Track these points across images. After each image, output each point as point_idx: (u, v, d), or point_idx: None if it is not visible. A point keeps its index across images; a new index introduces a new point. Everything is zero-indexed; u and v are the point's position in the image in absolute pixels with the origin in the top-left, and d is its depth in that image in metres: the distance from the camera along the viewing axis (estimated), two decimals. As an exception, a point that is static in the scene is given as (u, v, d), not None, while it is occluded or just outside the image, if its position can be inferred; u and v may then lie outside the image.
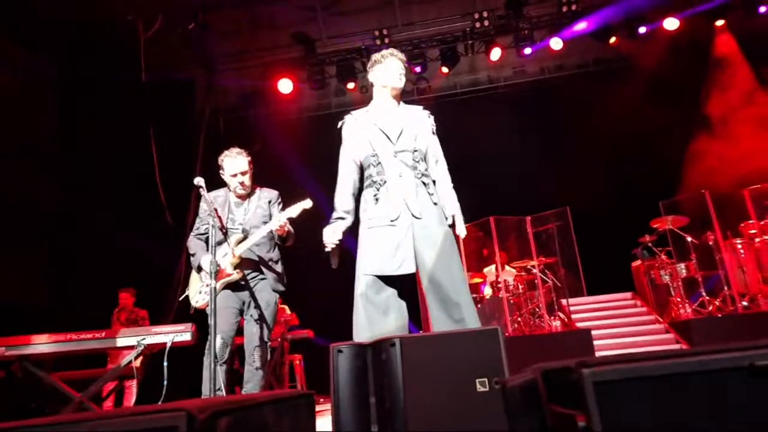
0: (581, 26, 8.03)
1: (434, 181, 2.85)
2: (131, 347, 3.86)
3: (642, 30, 7.97)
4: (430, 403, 1.74)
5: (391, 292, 2.65)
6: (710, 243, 6.59)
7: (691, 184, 7.35)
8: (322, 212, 3.50)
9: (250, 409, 1.31)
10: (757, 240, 6.40)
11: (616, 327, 6.91)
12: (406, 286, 2.71)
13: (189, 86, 8.69)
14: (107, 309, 6.76)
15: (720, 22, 8.06)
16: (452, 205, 2.83)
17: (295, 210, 3.42)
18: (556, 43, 8.06)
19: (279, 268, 3.60)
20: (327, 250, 2.82)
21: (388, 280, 2.66)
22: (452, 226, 2.79)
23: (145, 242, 7.24)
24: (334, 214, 2.89)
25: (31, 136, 7.32)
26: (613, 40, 8.13)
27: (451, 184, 2.90)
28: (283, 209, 3.65)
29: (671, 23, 7.91)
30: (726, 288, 6.41)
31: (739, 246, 6.46)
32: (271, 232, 3.50)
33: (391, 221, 2.65)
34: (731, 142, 7.68)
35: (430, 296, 2.62)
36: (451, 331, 2.32)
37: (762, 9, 7.74)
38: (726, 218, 6.71)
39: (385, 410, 1.87)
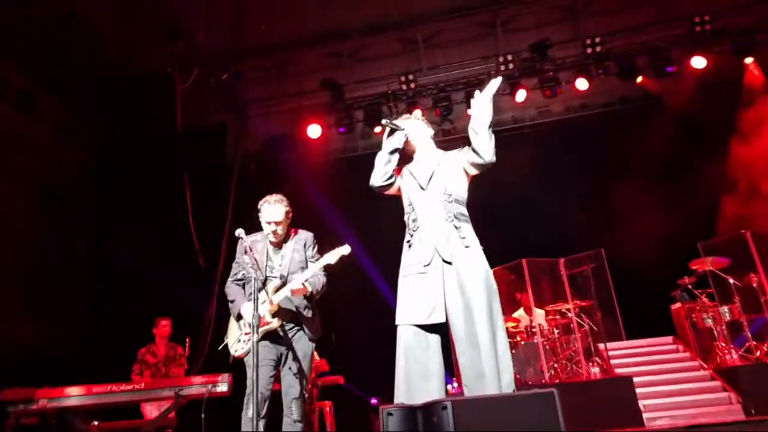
0: (606, 67, 8.05)
1: (468, 223, 2.81)
2: (169, 398, 3.83)
3: (669, 69, 7.94)
4: None
5: (428, 344, 2.58)
6: (754, 285, 6.34)
7: (729, 225, 7.14)
8: (352, 255, 3.48)
9: None
10: (805, 281, 6.14)
11: (658, 374, 6.60)
12: (445, 334, 2.64)
13: (221, 132, 8.93)
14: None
15: (749, 60, 7.99)
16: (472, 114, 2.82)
17: (333, 257, 3.41)
18: (581, 83, 8.07)
19: (315, 316, 3.57)
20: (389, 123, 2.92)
21: (430, 330, 2.60)
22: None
23: (177, 287, 7.30)
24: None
25: (69, 186, 7.56)
26: (639, 79, 8.12)
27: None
28: (318, 251, 3.66)
29: (699, 61, 7.88)
30: (774, 332, 6.13)
31: (786, 287, 6.21)
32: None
33: (424, 266, 2.61)
34: (768, 179, 7.51)
35: (458, 345, 2.55)
36: (505, 394, 2.27)
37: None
38: (768, 259, 6.49)
39: None
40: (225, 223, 7.71)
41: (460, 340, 2.53)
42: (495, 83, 2.78)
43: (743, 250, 6.42)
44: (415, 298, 2.60)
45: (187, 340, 5.99)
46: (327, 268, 3.48)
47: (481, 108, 2.73)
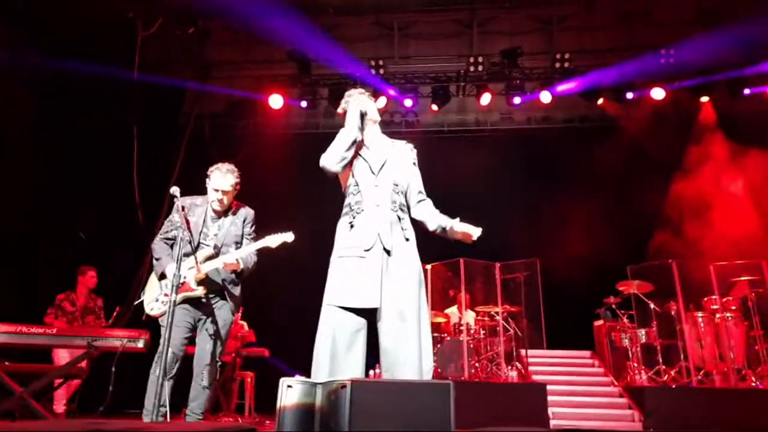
0: (571, 85, 8.23)
1: (410, 217, 2.86)
2: (81, 347, 3.72)
3: (630, 95, 8.18)
4: None
5: (357, 327, 2.60)
6: (672, 312, 6.64)
7: (661, 252, 7.44)
8: (298, 236, 3.44)
9: None
10: (717, 316, 6.46)
11: (572, 384, 6.86)
12: (372, 320, 2.65)
13: (179, 90, 8.66)
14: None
15: (705, 99, 8.30)
16: (446, 218, 2.84)
17: (274, 241, 3.39)
18: (545, 96, 8.22)
19: (238, 291, 3.56)
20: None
21: (359, 314, 2.61)
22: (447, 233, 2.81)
23: (112, 241, 7.08)
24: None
25: (8, 127, 7.18)
26: (600, 101, 8.33)
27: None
28: (257, 230, 3.64)
29: (658, 93, 8.14)
30: (683, 359, 6.44)
31: (700, 320, 6.53)
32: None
33: (365, 251, 2.62)
34: (703, 215, 7.84)
35: (384, 334, 2.59)
36: (403, 381, 2.30)
37: (746, 91, 8.01)
38: (691, 290, 6.80)
39: None
40: (169, 182, 7.51)
41: (389, 328, 2.56)
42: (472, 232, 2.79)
43: (667, 278, 6.71)
44: (352, 281, 2.60)
45: (117, 309, 5.82)
46: (264, 250, 3.44)
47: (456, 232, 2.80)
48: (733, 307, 6.52)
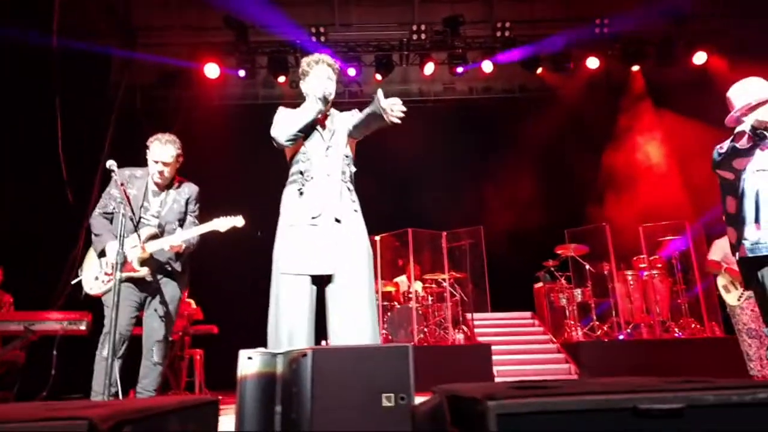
0: (512, 54, 8.36)
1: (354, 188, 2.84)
2: (17, 332, 3.51)
3: (567, 65, 8.41)
4: (337, 415, 1.74)
5: (308, 294, 2.59)
6: (605, 272, 7.08)
7: (596, 216, 7.85)
8: (240, 210, 3.36)
9: (154, 417, 1.27)
10: (645, 274, 6.94)
11: (515, 344, 7.23)
12: (321, 287, 2.65)
13: (105, 58, 8.06)
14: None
15: (636, 68, 8.67)
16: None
17: (223, 224, 3.29)
18: (487, 66, 8.32)
19: (185, 269, 3.46)
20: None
21: (306, 281, 2.59)
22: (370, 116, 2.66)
23: (40, 220, 6.63)
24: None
25: None
26: (540, 70, 8.53)
27: None
28: (200, 208, 3.52)
29: (593, 62, 8.42)
30: (614, 315, 6.91)
31: (630, 278, 6.99)
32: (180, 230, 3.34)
33: (312, 218, 2.61)
34: (633, 179, 8.32)
35: (334, 302, 2.60)
36: (362, 346, 2.31)
37: (674, 60, 8.40)
38: (622, 251, 7.25)
39: (291, 420, 1.87)
40: (99, 157, 7.08)
41: (340, 296, 2.57)
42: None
43: (602, 241, 7.12)
44: (304, 249, 2.58)
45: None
46: (211, 233, 3.33)
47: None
48: (659, 265, 7.01)
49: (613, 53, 8.47)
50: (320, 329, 2.62)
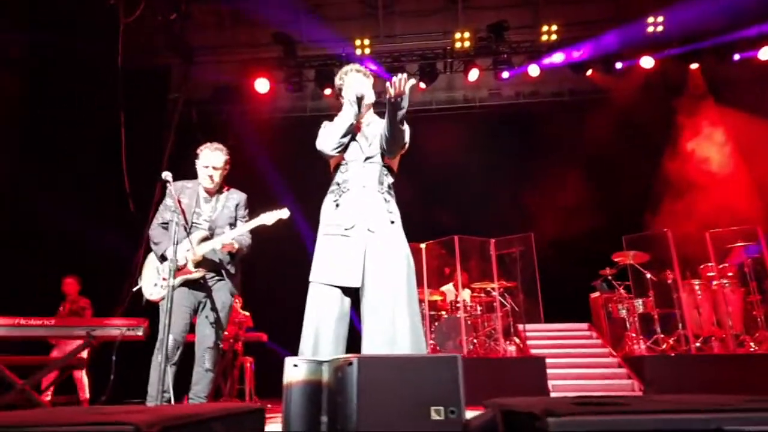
0: (559, 57, 8.14)
1: (394, 199, 2.79)
2: (80, 338, 3.67)
3: (618, 65, 8.11)
4: (383, 427, 1.69)
5: (340, 305, 2.58)
6: (669, 281, 6.64)
7: (655, 222, 7.43)
8: (289, 218, 3.43)
9: (198, 423, 1.31)
10: (714, 283, 6.47)
11: (571, 357, 6.86)
12: (356, 299, 2.63)
13: (164, 76, 8.51)
14: (59, 298, 6.46)
15: (694, 66, 8.25)
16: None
17: (270, 218, 3.39)
18: (533, 70, 8.14)
19: (237, 272, 3.55)
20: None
21: (335, 292, 2.59)
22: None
23: (104, 230, 6.97)
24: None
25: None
26: (589, 72, 8.25)
27: None
28: (249, 214, 3.62)
29: (647, 62, 8.07)
30: (681, 327, 6.44)
31: (697, 287, 6.53)
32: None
33: (346, 230, 2.61)
34: (697, 183, 7.83)
35: (366, 313, 2.57)
36: (410, 355, 2.27)
37: (736, 57, 7.95)
38: (686, 258, 6.79)
39: (336, 430, 1.84)
40: (159, 169, 7.37)
41: (371, 307, 2.54)
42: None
43: (664, 248, 6.70)
44: (335, 259, 2.59)
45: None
46: (260, 228, 3.43)
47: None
48: (730, 274, 6.52)
49: (668, 52, 8.08)
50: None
